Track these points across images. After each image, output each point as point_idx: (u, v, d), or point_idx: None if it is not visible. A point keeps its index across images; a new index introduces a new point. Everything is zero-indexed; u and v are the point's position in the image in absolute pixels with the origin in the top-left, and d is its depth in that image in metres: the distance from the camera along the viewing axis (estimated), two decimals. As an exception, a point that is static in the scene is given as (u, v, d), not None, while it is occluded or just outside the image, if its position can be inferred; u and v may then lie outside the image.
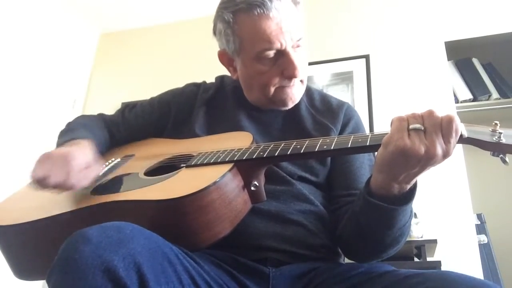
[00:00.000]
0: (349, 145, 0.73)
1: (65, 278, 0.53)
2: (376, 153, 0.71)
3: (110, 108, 1.18)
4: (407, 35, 2.42)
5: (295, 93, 0.97)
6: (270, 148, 0.79)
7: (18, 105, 2.47)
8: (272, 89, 0.95)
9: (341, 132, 1.00)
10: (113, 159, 1.02)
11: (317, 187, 0.94)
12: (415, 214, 1.79)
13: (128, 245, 0.56)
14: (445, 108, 2.15)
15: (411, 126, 0.65)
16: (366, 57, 2.43)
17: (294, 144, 0.78)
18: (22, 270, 0.86)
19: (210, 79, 1.15)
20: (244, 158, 0.78)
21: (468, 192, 2.02)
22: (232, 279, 0.75)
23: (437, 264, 1.72)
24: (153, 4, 2.88)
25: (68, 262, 0.54)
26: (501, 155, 0.64)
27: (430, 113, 0.66)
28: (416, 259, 1.78)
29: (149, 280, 0.54)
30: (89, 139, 0.93)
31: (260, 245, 0.81)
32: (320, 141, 0.76)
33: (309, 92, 1.08)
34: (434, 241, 1.77)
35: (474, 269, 1.84)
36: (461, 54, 2.43)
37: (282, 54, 0.91)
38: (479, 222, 2.04)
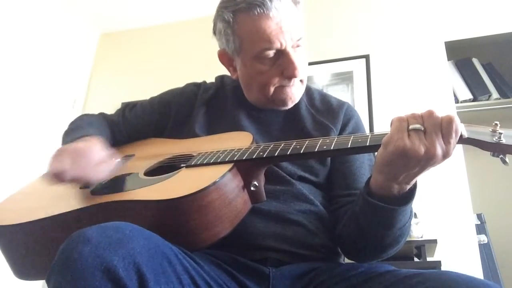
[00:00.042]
0: (349, 146, 0.73)
1: (64, 278, 0.53)
2: (376, 153, 0.71)
3: (110, 108, 1.18)
4: (407, 35, 2.42)
5: (294, 93, 0.97)
6: (270, 148, 0.79)
7: (18, 105, 2.47)
8: (272, 89, 0.94)
9: (341, 132, 1.00)
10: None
11: (317, 187, 0.94)
12: (415, 214, 1.79)
13: (128, 245, 0.55)
14: (445, 108, 2.15)
15: (411, 127, 0.65)
16: (366, 57, 2.43)
17: (294, 144, 0.78)
18: (22, 270, 0.86)
19: (210, 79, 1.15)
20: (244, 158, 0.78)
21: (468, 192, 2.02)
22: (232, 279, 0.75)
23: (437, 264, 1.72)
24: (153, 4, 2.88)
25: (67, 262, 0.54)
26: (501, 156, 0.64)
27: (430, 114, 0.66)
28: (416, 259, 1.78)
29: (149, 280, 0.54)
30: (99, 136, 0.94)
31: (260, 245, 0.81)
32: (320, 141, 0.76)
33: (309, 92, 1.08)
34: (434, 241, 1.77)
35: (474, 269, 1.84)
36: (461, 54, 2.43)
37: (282, 54, 0.90)
38: (479, 222, 2.04)
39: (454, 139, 0.64)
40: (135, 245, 0.56)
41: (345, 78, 2.43)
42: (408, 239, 1.43)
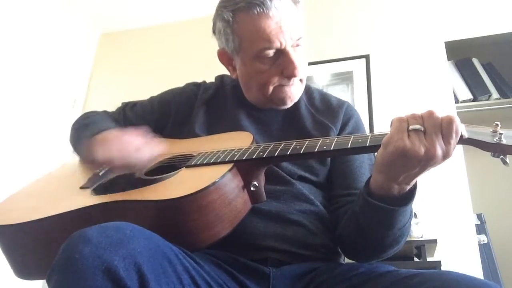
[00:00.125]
0: (349, 146, 0.73)
1: (65, 278, 0.53)
2: (376, 153, 0.71)
3: (110, 108, 1.18)
4: (407, 35, 2.42)
5: (294, 92, 0.97)
6: (270, 148, 0.79)
7: (19, 105, 2.47)
8: (271, 88, 0.94)
9: (340, 131, 1.00)
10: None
11: (317, 187, 0.94)
12: (415, 214, 1.79)
13: (128, 245, 0.55)
14: (445, 108, 2.15)
15: (411, 127, 0.65)
16: (366, 57, 2.43)
17: (294, 144, 0.78)
18: (23, 270, 0.86)
19: (210, 79, 1.15)
20: (244, 158, 0.78)
21: (468, 192, 2.02)
22: (233, 279, 0.75)
23: (437, 264, 1.72)
24: (153, 4, 2.88)
25: (68, 262, 0.54)
26: (502, 156, 0.64)
27: (430, 114, 0.66)
28: (416, 259, 1.78)
29: (149, 280, 0.54)
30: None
31: (260, 245, 0.81)
32: (320, 141, 0.76)
33: (308, 91, 1.07)
34: (434, 241, 1.77)
35: (474, 269, 1.84)
36: (461, 54, 2.43)
37: (281, 53, 0.90)
38: (479, 222, 2.04)
39: (454, 140, 0.64)
40: (136, 245, 0.56)
41: (345, 78, 2.43)
42: (408, 239, 1.43)
